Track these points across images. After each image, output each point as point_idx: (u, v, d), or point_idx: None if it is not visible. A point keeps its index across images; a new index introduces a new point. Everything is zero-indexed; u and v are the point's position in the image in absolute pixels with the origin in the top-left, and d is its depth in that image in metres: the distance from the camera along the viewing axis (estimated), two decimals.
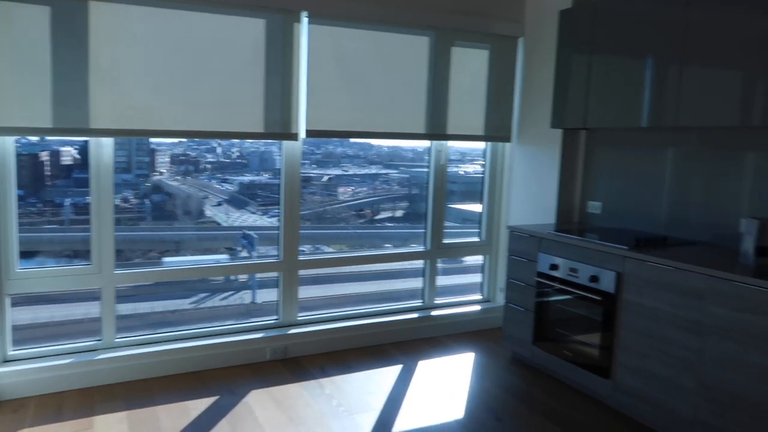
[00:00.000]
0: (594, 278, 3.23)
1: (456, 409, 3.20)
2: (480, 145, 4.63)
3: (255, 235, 4.18)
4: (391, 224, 4.83)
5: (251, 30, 3.48)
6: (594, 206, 4.03)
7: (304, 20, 3.63)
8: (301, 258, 3.95)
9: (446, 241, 4.48)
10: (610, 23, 3.47)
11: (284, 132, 3.66)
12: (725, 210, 3.19)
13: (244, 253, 4.13)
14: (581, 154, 4.13)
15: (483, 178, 4.67)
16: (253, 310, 4.10)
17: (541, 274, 3.60)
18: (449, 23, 4.07)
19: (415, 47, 4.03)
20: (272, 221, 4.15)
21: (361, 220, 4.76)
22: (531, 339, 3.70)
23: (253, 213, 4.40)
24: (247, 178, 4.44)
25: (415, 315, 4.32)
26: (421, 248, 4.45)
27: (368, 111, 3.92)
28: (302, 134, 3.73)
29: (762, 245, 2.73)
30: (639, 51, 3.29)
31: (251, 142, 4.31)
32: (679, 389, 2.80)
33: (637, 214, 3.70)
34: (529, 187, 4.35)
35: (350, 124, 3.88)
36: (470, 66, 4.27)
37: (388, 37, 3.92)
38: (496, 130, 4.43)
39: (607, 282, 3.16)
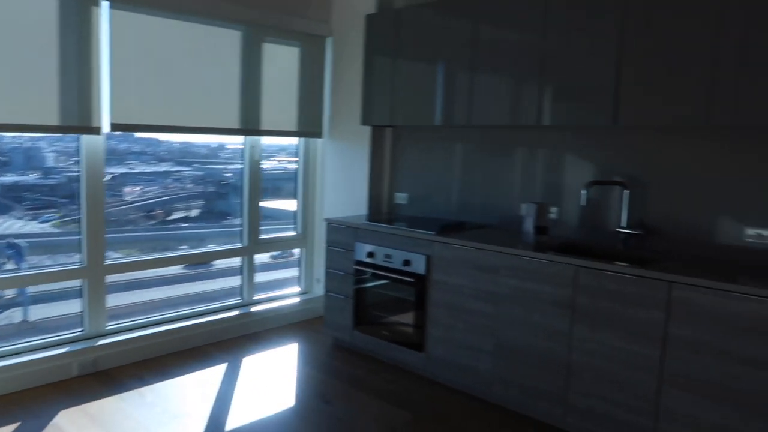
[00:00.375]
0: (407, 262, 3.55)
1: (286, 399, 3.28)
2: (293, 141, 4.73)
3: (24, 244, 3.66)
4: (186, 224, 4.64)
5: (42, 10, 3.14)
6: (401, 197, 4.39)
7: (104, 4, 3.37)
8: (109, 263, 3.67)
9: (263, 237, 4.50)
10: (411, 30, 3.82)
11: (83, 125, 3.36)
12: (507, 196, 3.73)
13: (10, 265, 3.56)
14: (388, 150, 4.46)
15: (297, 172, 4.78)
16: (24, 330, 3.57)
17: (358, 262, 3.84)
18: (259, 19, 4.10)
19: (227, 41, 3.98)
20: (44, 227, 3.73)
21: (153, 222, 4.50)
22: (352, 324, 3.92)
23: (20, 219, 3.84)
24: (9, 178, 3.82)
25: (234, 313, 4.28)
26: (237, 245, 4.41)
27: (180, 105, 3.78)
28: (106, 128, 3.47)
29: (539, 225, 3.26)
30: (435, 58, 3.69)
31: (12, 136, 3.73)
32: (480, 352, 3.22)
33: (438, 203, 4.13)
34: (341, 181, 4.57)
35: (160, 118, 3.70)
36: (282, 63, 4.34)
37: (200, 30, 3.82)
38: (308, 126, 4.57)
39: (418, 264, 3.49)
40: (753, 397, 2.32)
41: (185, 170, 4.69)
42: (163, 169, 4.60)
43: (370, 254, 3.76)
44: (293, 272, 4.90)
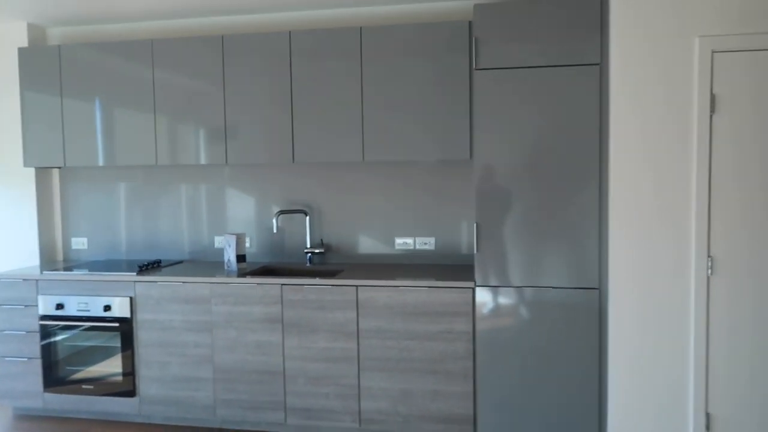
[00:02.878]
0: (107, 307, 3.43)
1: None
2: None
3: None
4: None
5: None
6: (79, 242, 4.13)
7: None
8: None
9: None
10: (73, 67, 3.69)
11: None
12: (198, 231, 3.95)
13: None
14: (57, 192, 4.15)
15: None
16: None
17: (45, 317, 3.51)
18: None
19: None
20: None
21: None
22: (41, 387, 3.54)
23: None
24: None
25: None
26: None
27: None
28: None
29: (240, 253, 3.60)
30: (95, 96, 3.67)
31: None
32: (199, 381, 3.37)
33: (121, 244, 4.05)
34: (1, 229, 4.04)
35: None
36: None
37: None
38: None
39: (121, 308, 3.43)
40: (424, 362, 3.12)
41: None
42: None
43: (60, 306, 3.48)
44: None
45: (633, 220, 2.79)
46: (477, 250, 3.04)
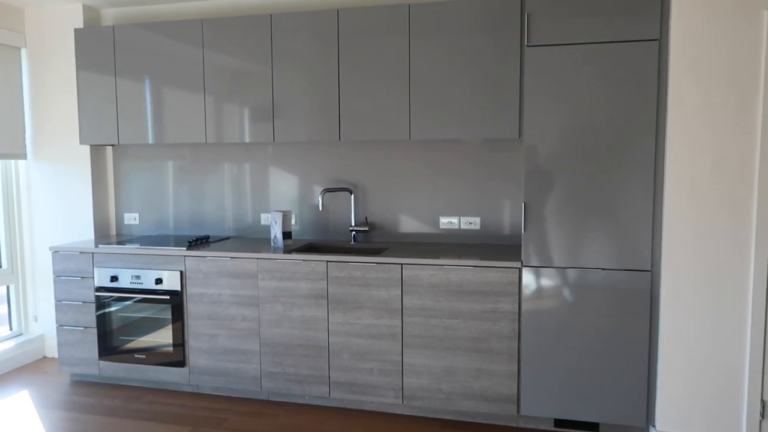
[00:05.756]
0: (159, 280, 3.54)
1: None
2: None
3: None
4: None
5: None
6: (131, 217, 4.26)
7: None
8: None
9: None
10: (126, 48, 3.78)
11: None
12: (244, 208, 4.02)
13: None
14: (111, 170, 4.28)
15: None
16: None
17: (101, 288, 3.64)
18: None
19: None
20: None
21: None
22: (97, 355, 3.69)
23: None
24: None
25: None
26: None
27: None
28: None
29: (286, 230, 3.65)
30: (147, 76, 3.74)
31: None
32: (246, 353, 3.45)
33: (171, 220, 4.16)
34: (57, 206, 4.20)
35: None
36: None
37: None
38: (7, 147, 4.07)
39: (172, 281, 3.53)
40: (468, 341, 3.12)
41: None
42: None
43: (114, 278, 3.61)
44: None
45: (689, 202, 2.71)
46: (525, 230, 3.00)
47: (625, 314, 2.89)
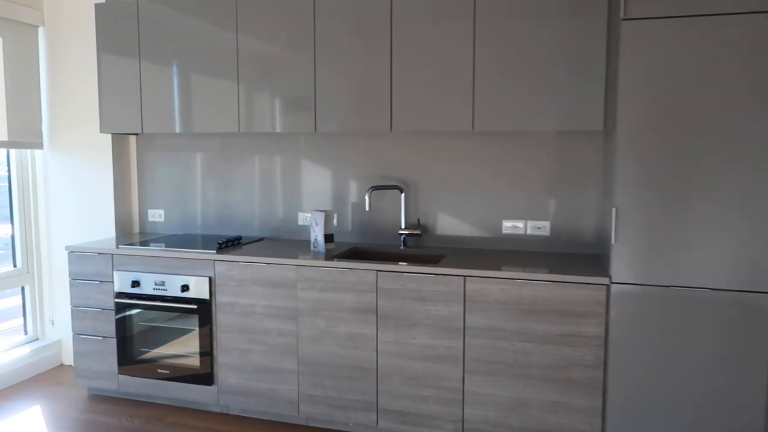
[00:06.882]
0: (185, 287, 3.14)
1: None
2: None
3: None
4: None
5: None
6: (156, 214, 3.88)
7: None
8: None
9: None
10: (150, 26, 3.37)
11: None
12: (278, 206, 3.60)
13: None
14: (134, 161, 3.89)
15: (10, 194, 3.83)
16: None
17: (120, 294, 3.26)
18: None
19: None
20: None
21: None
22: (116, 368, 3.31)
23: None
24: None
25: None
26: None
27: None
28: None
29: (328, 233, 3.22)
30: (173, 58, 3.33)
31: None
32: (282, 373, 3.04)
33: (198, 217, 3.76)
34: (75, 200, 3.83)
35: None
36: None
37: None
38: (22, 136, 3.71)
39: (200, 288, 3.13)
40: (543, 368, 2.66)
41: None
42: None
43: (136, 283, 3.22)
44: (12, 314, 3.94)
45: None
46: (615, 240, 2.52)
47: (743, 345, 2.39)
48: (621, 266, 2.52)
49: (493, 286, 2.69)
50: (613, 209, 2.51)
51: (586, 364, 2.60)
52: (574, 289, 2.59)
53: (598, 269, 2.69)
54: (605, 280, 2.55)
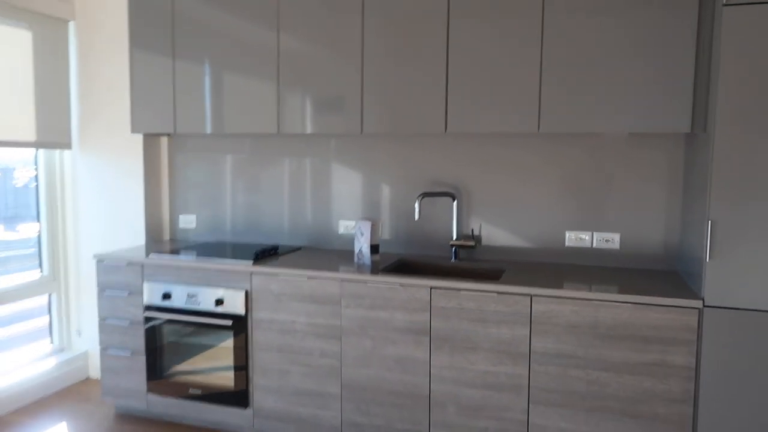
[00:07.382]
0: (219, 301, 2.90)
1: None
2: (27, 153, 3.60)
3: None
4: None
5: None
6: (187, 220, 3.65)
7: None
8: None
9: None
10: (185, 21, 3.15)
11: None
12: (317, 213, 3.34)
13: None
14: (165, 164, 3.68)
15: (37, 196, 3.65)
16: None
17: (150, 307, 3.03)
18: None
19: None
20: None
21: None
22: (145, 386, 3.09)
23: None
24: None
25: None
26: None
27: None
28: None
29: (374, 243, 2.95)
30: (205, 56, 3.10)
31: None
32: (324, 397, 2.78)
33: (231, 224, 3.53)
34: (104, 204, 3.63)
35: None
36: (7, 51, 3.24)
37: None
38: (50, 135, 3.52)
39: (235, 303, 2.88)
40: (622, 401, 2.35)
41: None
42: None
43: (167, 296, 2.99)
44: (39, 323, 3.75)
45: None
46: (710, 258, 2.20)
47: None
48: (716, 287, 2.20)
49: (565, 306, 2.39)
50: (708, 222, 2.19)
51: (673, 398, 2.28)
52: (659, 313, 2.28)
53: (684, 290, 2.37)
54: (697, 303, 2.23)
